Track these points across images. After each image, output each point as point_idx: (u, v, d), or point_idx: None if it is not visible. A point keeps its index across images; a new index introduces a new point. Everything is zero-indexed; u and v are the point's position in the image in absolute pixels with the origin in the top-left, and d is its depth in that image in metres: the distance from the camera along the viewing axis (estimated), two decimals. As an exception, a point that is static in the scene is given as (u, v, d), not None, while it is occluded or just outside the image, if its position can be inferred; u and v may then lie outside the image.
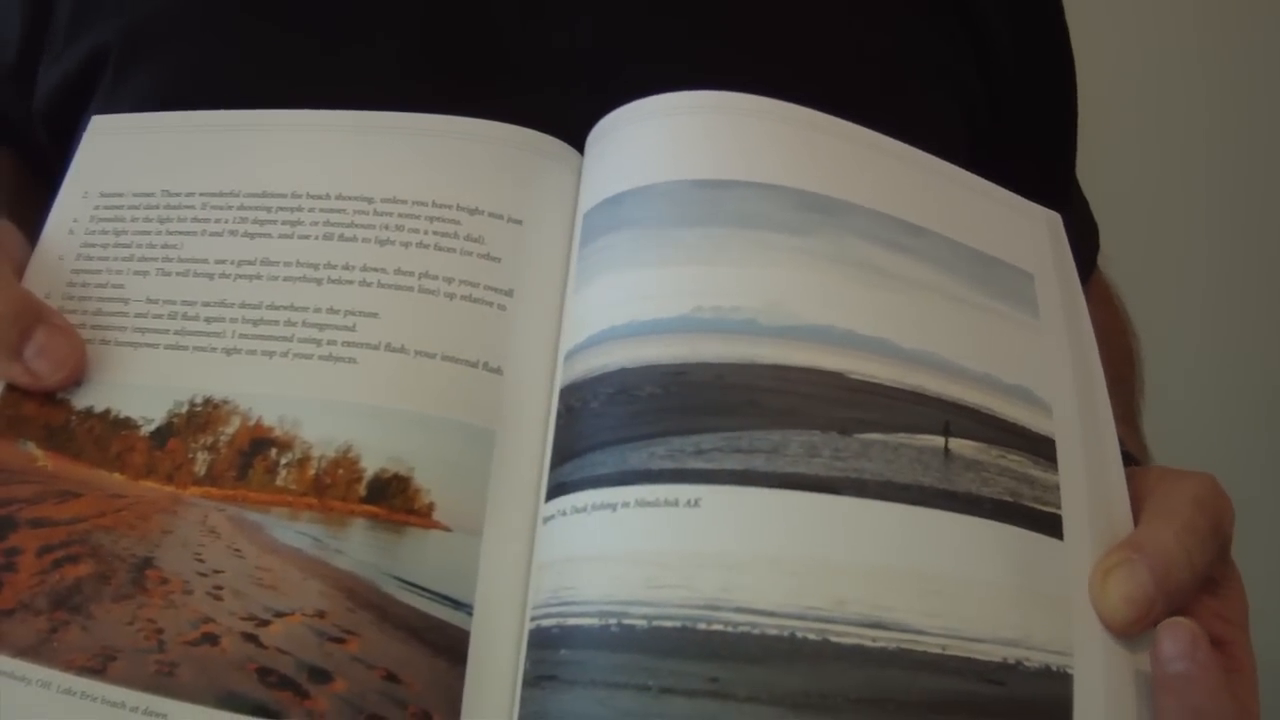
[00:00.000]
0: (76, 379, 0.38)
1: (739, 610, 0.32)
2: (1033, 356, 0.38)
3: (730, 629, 0.31)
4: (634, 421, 0.34)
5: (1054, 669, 0.33)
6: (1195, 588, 0.35)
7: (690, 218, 0.37)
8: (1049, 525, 0.35)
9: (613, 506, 0.33)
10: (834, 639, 0.31)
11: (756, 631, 0.31)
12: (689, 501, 0.33)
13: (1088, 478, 0.37)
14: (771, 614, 0.32)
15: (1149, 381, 0.64)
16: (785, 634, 0.31)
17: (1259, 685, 0.35)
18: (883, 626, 0.32)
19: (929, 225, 0.39)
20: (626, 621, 0.32)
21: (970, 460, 0.35)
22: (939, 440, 0.35)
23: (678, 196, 0.37)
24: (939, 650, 0.32)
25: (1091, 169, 0.63)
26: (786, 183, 0.37)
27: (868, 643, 0.32)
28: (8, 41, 0.51)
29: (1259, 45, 1.06)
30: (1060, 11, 0.56)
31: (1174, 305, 0.99)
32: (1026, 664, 0.33)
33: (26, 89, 0.51)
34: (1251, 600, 0.37)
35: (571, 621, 0.33)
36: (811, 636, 0.31)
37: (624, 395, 0.35)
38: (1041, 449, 0.37)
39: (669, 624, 0.32)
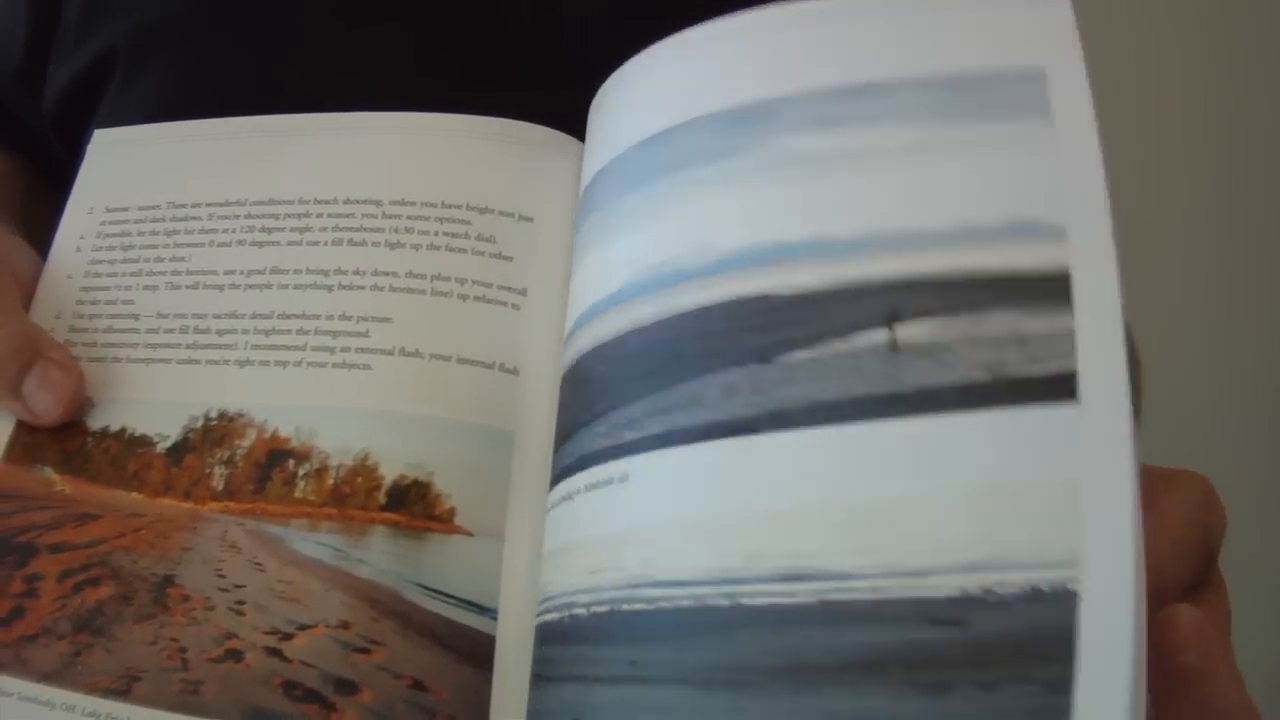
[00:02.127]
0: (75, 414, 0.37)
1: (656, 585, 0.28)
2: (1038, 173, 0.30)
3: (648, 606, 0.28)
4: (584, 406, 0.33)
5: (1046, 589, 0.24)
6: (1178, 594, 0.33)
7: (630, 183, 0.35)
8: (1049, 390, 0.27)
9: (570, 496, 0.32)
10: (744, 600, 0.27)
11: (670, 605, 0.28)
12: (620, 477, 0.31)
13: (1114, 312, 0.28)
14: (684, 583, 0.28)
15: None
16: (697, 604, 0.27)
17: (1258, 689, 0.34)
18: (799, 578, 0.27)
19: (884, 76, 0.32)
20: (574, 612, 0.30)
21: (924, 346, 0.28)
22: (881, 334, 0.29)
23: (622, 165, 0.35)
24: (869, 595, 0.26)
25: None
26: (711, 109, 0.33)
27: (782, 600, 0.27)
28: (16, 40, 0.51)
29: (1260, 46, 1.05)
30: None
31: (1171, 305, 0.98)
32: (999, 591, 0.25)
33: (37, 90, 0.51)
34: (1248, 603, 0.35)
35: (543, 618, 0.32)
36: (721, 602, 0.27)
37: (580, 382, 0.34)
38: (1046, 290, 0.28)
39: (601, 609, 0.29)
